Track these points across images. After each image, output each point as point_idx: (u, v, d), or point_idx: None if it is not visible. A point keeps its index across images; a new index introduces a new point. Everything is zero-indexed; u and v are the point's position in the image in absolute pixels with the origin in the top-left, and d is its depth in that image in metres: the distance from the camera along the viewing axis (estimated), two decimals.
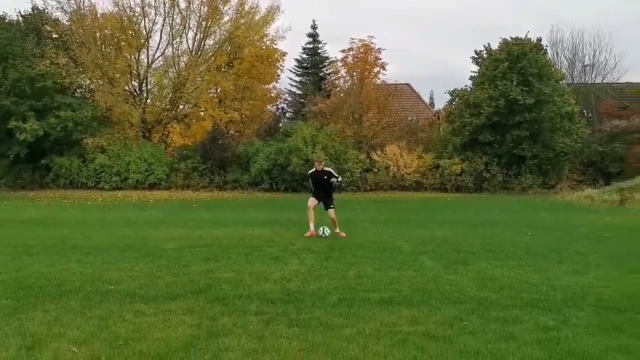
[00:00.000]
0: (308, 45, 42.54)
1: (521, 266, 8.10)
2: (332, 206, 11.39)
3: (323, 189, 11.51)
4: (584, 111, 34.39)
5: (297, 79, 42.93)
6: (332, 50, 61.26)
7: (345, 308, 5.69)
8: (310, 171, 12.07)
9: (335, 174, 11.62)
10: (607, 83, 36.35)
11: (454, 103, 30.62)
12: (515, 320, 5.31)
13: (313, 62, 42.66)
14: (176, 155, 29.87)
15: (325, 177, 11.42)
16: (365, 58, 31.93)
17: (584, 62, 35.38)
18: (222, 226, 13.13)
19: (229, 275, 7.25)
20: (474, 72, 30.38)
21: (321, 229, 11.05)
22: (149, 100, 31.60)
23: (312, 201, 11.47)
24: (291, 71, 42.33)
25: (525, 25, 51.38)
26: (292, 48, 58.69)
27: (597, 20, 65.65)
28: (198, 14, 30.87)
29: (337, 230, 11.23)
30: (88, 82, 30.12)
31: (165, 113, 31.31)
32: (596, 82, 35.37)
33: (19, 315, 5.33)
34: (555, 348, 4.53)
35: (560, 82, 29.35)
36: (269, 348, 4.47)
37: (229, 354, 4.32)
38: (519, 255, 9.06)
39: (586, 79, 34.91)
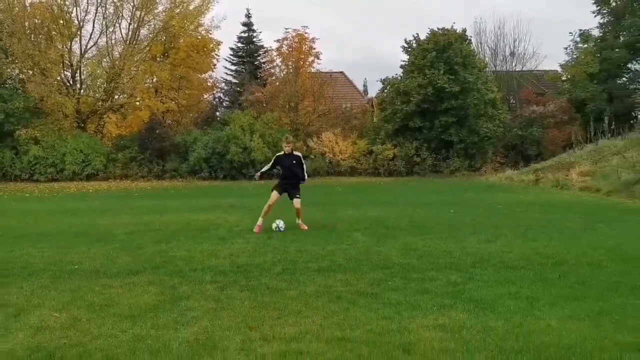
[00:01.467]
0: (243, 34, 42.82)
1: (441, 238, 9.23)
2: (298, 195, 10.40)
3: (291, 176, 10.45)
4: (508, 97, 36.71)
5: (233, 67, 43.20)
6: (266, 35, 61.40)
7: (288, 275, 6.58)
8: (278, 154, 10.68)
9: (304, 165, 10.65)
10: (527, 70, 38.81)
11: (385, 91, 31.98)
12: (431, 279, 6.35)
13: (248, 51, 42.98)
14: (113, 145, 29.76)
15: (295, 161, 10.40)
16: (299, 47, 32.77)
17: (510, 51, 37.68)
18: (167, 212, 13.69)
19: (181, 253, 7.98)
20: (404, 61, 31.83)
21: (275, 222, 10.14)
22: (83, 91, 31.21)
23: (274, 195, 10.36)
24: (227, 60, 42.60)
25: (456, 12, 53.63)
26: (227, 37, 58.66)
27: (518, 10, 69.06)
28: (131, 4, 30.70)
29: (300, 222, 10.49)
30: (18, 72, 29.34)
31: (100, 103, 31.06)
32: (517, 69, 37.66)
33: None
34: (460, 297, 5.59)
35: (484, 71, 31.18)
36: (225, 307, 5.30)
37: (192, 312, 5.12)
38: (441, 230, 10.22)
39: (507, 67, 37.08)
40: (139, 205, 16.00)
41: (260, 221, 10.17)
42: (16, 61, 28.47)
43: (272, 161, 10.65)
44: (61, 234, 10.12)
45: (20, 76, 29.77)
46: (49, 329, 4.73)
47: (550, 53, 68.63)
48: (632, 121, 25.92)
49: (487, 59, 36.67)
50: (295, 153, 10.63)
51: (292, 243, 8.83)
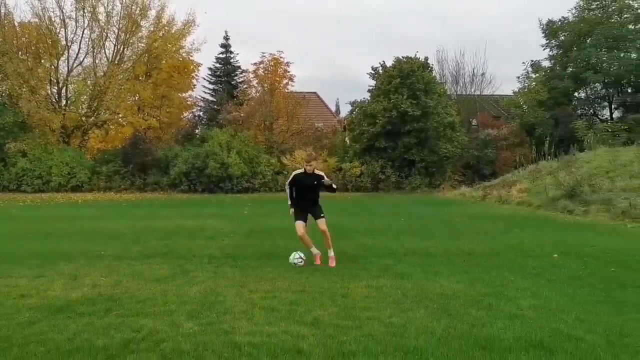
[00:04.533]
0: (221, 55, 45.01)
1: (388, 238, 11.58)
2: (322, 214, 8.84)
3: (311, 198, 8.83)
4: (470, 119, 39.66)
5: (211, 86, 45.28)
6: (241, 50, 62.70)
7: (266, 260, 8.84)
8: (295, 172, 8.99)
9: (327, 178, 8.91)
10: (487, 95, 41.93)
11: (354, 113, 34.53)
12: (371, 262, 8.66)
13: (225, 71, 45.15)
14: (96, 159, 31.55)
15: (316, 182, 8.75)
16: (275, 70, 35.16)
17: (469, 78, 40.73)
18: (158, 219, 15.80)
19: (181, 246, 10.17)
20: (371, 86, 34.44)
21: (295, 256, 8.48)
22: (68, 107, 32.98)
23: (300, 225, 8.72)
24: (205, 79, 44.67)
25: (427, 33, 56.97)
26: (205, 57, 60.89)
27: (476, 39, 73.26)
28: (117, 27, 32.76)
29: (332, 253, 8.69)
30: (6, 88, 30.97)
31: (85, 119, 32.88)
32: (476, 94, 40.74)
33: (48, 268, 8.00)
34: (389, 272, 7.90)
35: (443, 96, 33.98)
36: (221, 276, 7.52)
37: (198, 278, 7.33)
38: (389, 233, 12.60)
39: (467, 92, 40.13)
40: (132, 213, 18.06)
41: (314, 250, 8.75)
42: (7, 78, 30.19)
43: (289, 182, 8.92)
44: (78, 233, 12.21)
45: (8, 91, 31.41)
46: (101, 286, 6.89)
47: (507, 75, 72.87)
48: (574, 145, 28.74)
49: (448, 84, 39.63)
50: (317, 172, 8.85)
51: (267, 241, 11.09)
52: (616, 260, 8.98)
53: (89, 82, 33.13)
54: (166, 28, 34.48)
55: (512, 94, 41.87)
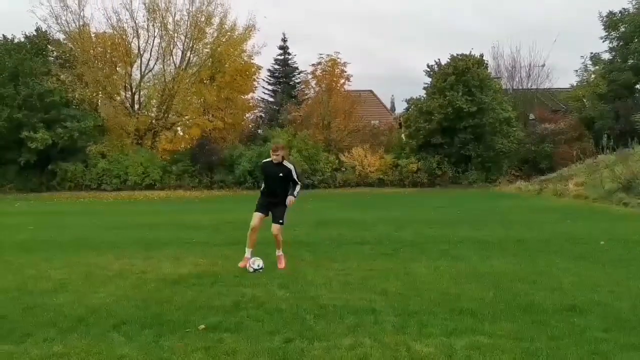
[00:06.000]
0: (279, 57, 46.70)
1: (444, 228, 12.57)
2: (280, 221, 8.11)
3: (274, 191, 8.15)
4: (527, 114, 39.62)
5: (270, 87, 47.07)
6: (296, 50, 63.98)
7: (335, 246, 10.03)
8: (264, 160, 8.45)
9: (296, 177, 8.19)
10: (544, 89, 41.75)
11: (409, 110, 35.34)
12: (429, 248, 9.68)
13: (284, 72, 46.82)
14: (168, 159, 33.70)
15: (281, 174, 8.06)
16: (332, 71, 36.40)
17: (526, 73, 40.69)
18: (230, 212, 17.24)
19: (258, 235, 11.49)
20: (426, 83, 35.16)
21: (254, 262, 7.87)
22: (140, 111, 35.31)
23: (256, 217, 8.16)
24: (264, 80, 46.45)
25: (481, 27, 56.95)
26: (263, 58, 63.05)
27: (532, 33, 72.06)
28: (184, 35, 34.80)
29: (280, 252, 8.24)
30: (89, 94, 33.39)
31: (156, 122, 35.13)
32: (532, 88, 40.65)
33: (152, 252, 9.47)
34: (446, 255, 8.92)
35: (499, 92, 34.27)
36: (298, 258, 8.73)
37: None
38: (445, 223, 13.56)
39: (523, 86, 40.13)
40: (205, 208, 19.73)
41: (247, 253, 8.11)
42: (88, 86, 32.71)
43: (261, 171, 8.57)
44: (164, 224, 13.84)
45: (92, 99, 33.94)
46: (202, 265, 8.27)
47: (565, 69, 71.41)
48: (633, 138, 28.40)
49: (504, 79, 39.77)
50: (286, 164, 8.19)
51: (333, 231, 12.30)
52: None
53: (158, 87, 35.32)
54: (229, 33, 36.22)
55: (570, 87, 41.53)
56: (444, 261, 8.42)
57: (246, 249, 8.14)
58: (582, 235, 11.13)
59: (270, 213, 8.18)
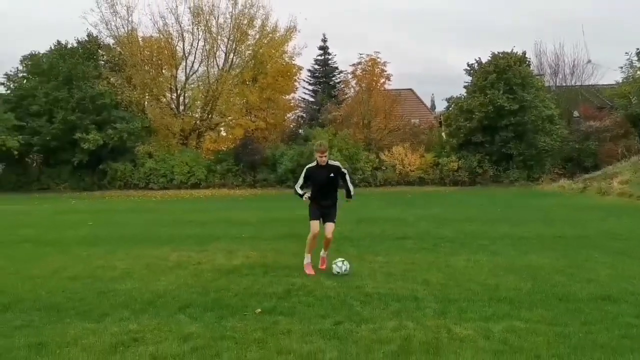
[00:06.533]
0: (319, 57, 47.26)
1: (484, 225, 12.82)
2: (334, 220, 7.91)
3: (326, 194, 7.86)
4: (571, 111, 39.02)
5: (310, 87, 47.68)
6: (335, 50, 64.40)
7: (378, 242, 10.44)
8: (308, 166, 7.92)
9: (348, 175, 8.07)
10: (588, 85, 41.03)
11: (450, 109, 35.32)
12: (468, 243, 9.98)
13: (324, 72, 47.36)
14: (212, 158, 34.67)
15: (332, 174, 7.76)
16: (372, 70, 36.71)
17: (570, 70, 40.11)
18: (275, 210, 17.86)
19: (302, 231, 12.00)
20: (466, 82, 35.07)
21: (336, 264, 7.54)
22: (185, 112, 36.43)
23: (315, 224, 7.83)
24: (305, 80, 47.08)
25: (521, 24, 56.17)
26: (304, 59, 63.84)
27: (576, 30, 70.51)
28: (227, 37, 35.74)
29: (325, 254, 8.08)
30: (137, 96, 34.64)
31: (200, 123, 36.18)
32: (577, 85, 40.01)
33: (205, 245, 10.08)
34: (485, 250, 9.23)
35: (541, 90, 33.90)
36: (343, 251, 9.16)
37: None
38: (485, 220, 13.79)
39: (566, 83, 39.54)
40: (250, 206, 20.41)
41: (307, 258, 7.90)
42: (136, 89, 33.99)
43: (303, 175, 7.90)
44: (213, 221, 14.52)
45: (140, 100, 35.25)
46: (253, 257, 8.82)
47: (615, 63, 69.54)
48: None
49: (547, 77, 39.26)
50: (332, 163, 7.86)
51: (375, 228, 12.70)
52: None
53: (202, 88, 36.35)
54: (270, 35, 36.99)
55: (616, 84, 40.66)
56: (483, 255, 8.74)
57: (305, 255, 7.90)
58: (623, 232, 11.24)
59: (323, 216, 7.86)
